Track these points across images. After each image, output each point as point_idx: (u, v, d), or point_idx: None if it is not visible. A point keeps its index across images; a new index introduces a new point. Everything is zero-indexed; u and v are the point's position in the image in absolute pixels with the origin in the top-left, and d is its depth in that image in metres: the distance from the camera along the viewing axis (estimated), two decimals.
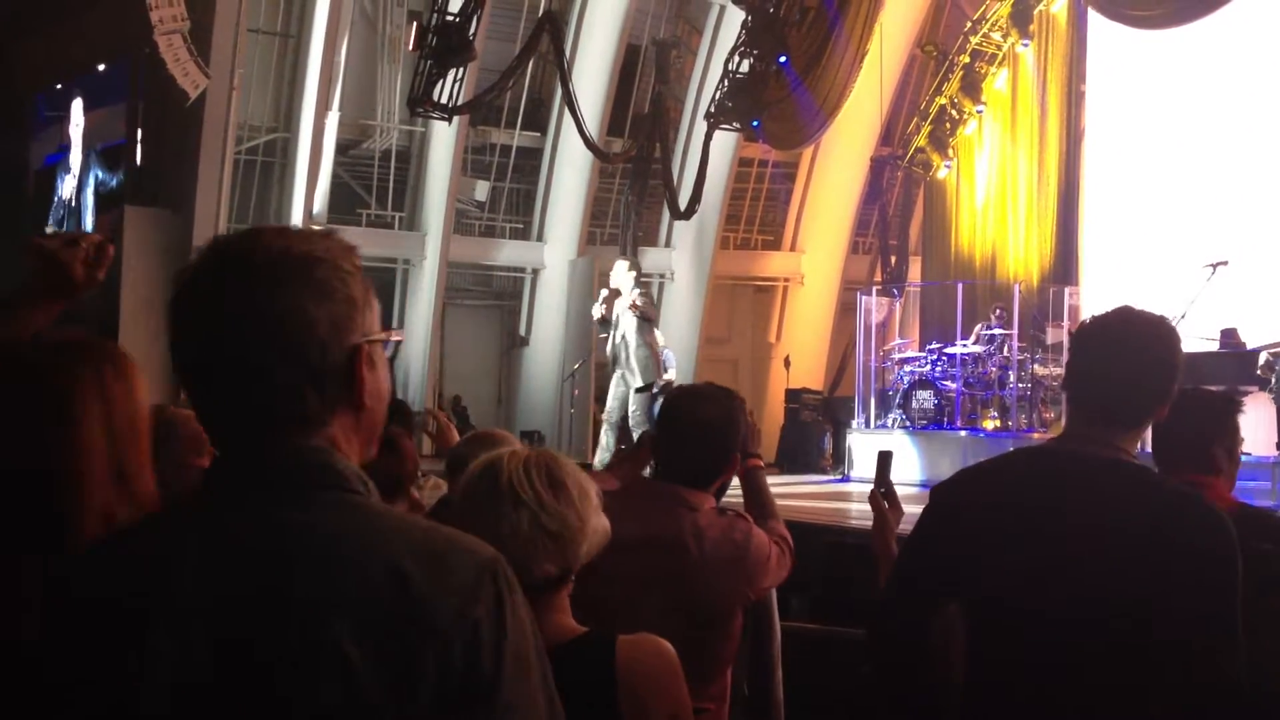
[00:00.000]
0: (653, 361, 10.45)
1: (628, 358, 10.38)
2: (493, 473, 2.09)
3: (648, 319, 10.43)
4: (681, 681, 2.16)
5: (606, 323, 10.60)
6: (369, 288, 1.38)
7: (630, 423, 10.42)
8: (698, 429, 2.87)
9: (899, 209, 18.17)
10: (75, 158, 15.79)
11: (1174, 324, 2.43)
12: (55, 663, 1.32)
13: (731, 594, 2.75)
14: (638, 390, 10.44)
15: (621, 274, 10.65)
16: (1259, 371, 9.86)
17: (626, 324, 10.45)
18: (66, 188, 15.99)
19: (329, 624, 1.24)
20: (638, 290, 10.46)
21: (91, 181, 15.33)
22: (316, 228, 1.48)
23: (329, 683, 1.23)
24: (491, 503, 2.05)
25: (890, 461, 2.98)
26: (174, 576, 1.28)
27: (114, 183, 14.53)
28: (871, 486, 2.86)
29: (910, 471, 12.36)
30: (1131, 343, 2.33)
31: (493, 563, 1.31)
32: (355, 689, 1.24)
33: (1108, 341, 2.36)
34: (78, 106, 15.68)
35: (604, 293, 10.73)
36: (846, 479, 13.28)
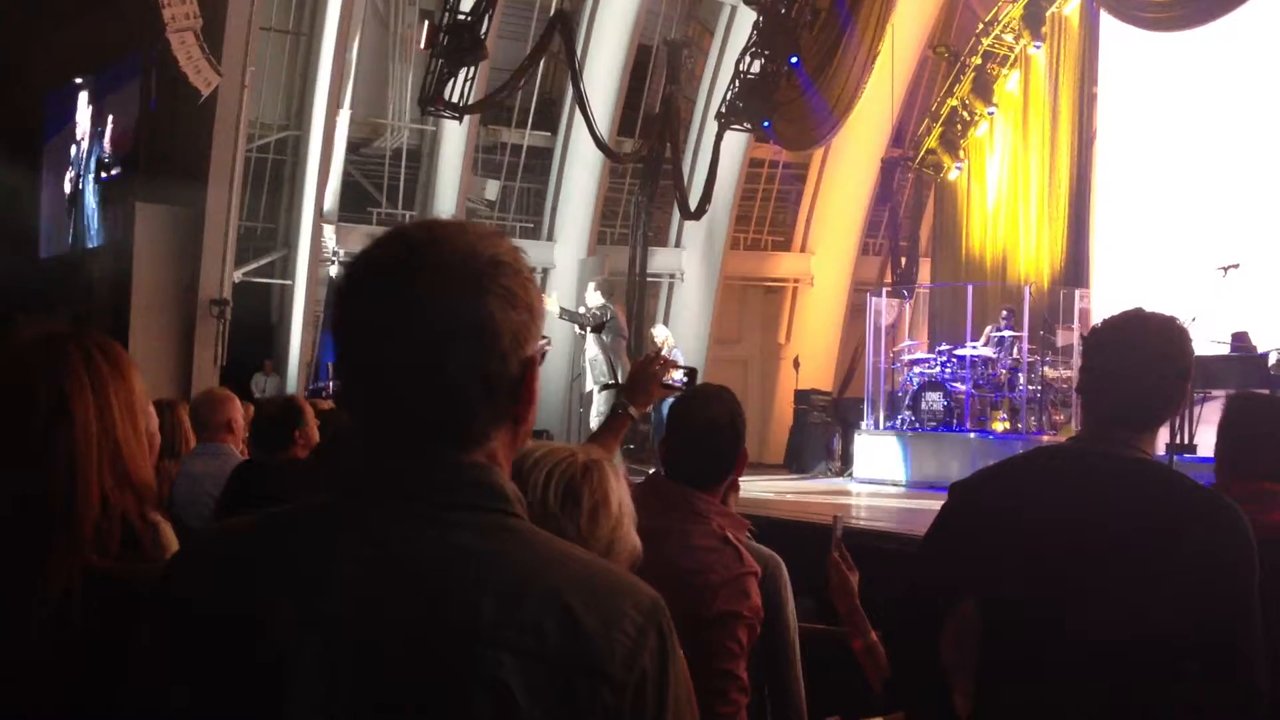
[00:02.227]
0: (605, 364, 11.52)
1: (588, 362, 11.66)
2: (519, 470, 2.10)
3: (584, 327, 11.57)
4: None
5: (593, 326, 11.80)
6: (540, 293, 1.31)
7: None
8: (704, 430, 2.93)
9: (909, 210, 18.15)
10: (80, 151, 15.86)
11: (1184, 325, 2.43)
12: (180, 678, 1.21)
13: (689, 605, 2.71)
14: (601, 389, 11.54)
15: (589, 295, 11.89)
16: (1270, 370, 9.82)
17: (589, 338, 11.69)
18: (74, 180, 16.07)
19: (493, 657, 1.16)
20: (598, 307, 11.65)
21: (92, 176, 15.40)
22: (488, 224, 1.38)
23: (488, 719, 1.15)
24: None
25: (840, 526, 3.09)
26: (329, 594, 1.19)
27: (119, 175, 14.58)
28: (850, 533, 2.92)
29: (918, 473, 12.35)
30: (1148, 345, 2.34)
31: (656, 606, 1.23)
32: None
33: (1124, 344, 2.37)
34: (83, 100, 15.76)
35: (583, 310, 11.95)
36: (841, 479, 13.27)
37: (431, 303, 1.22)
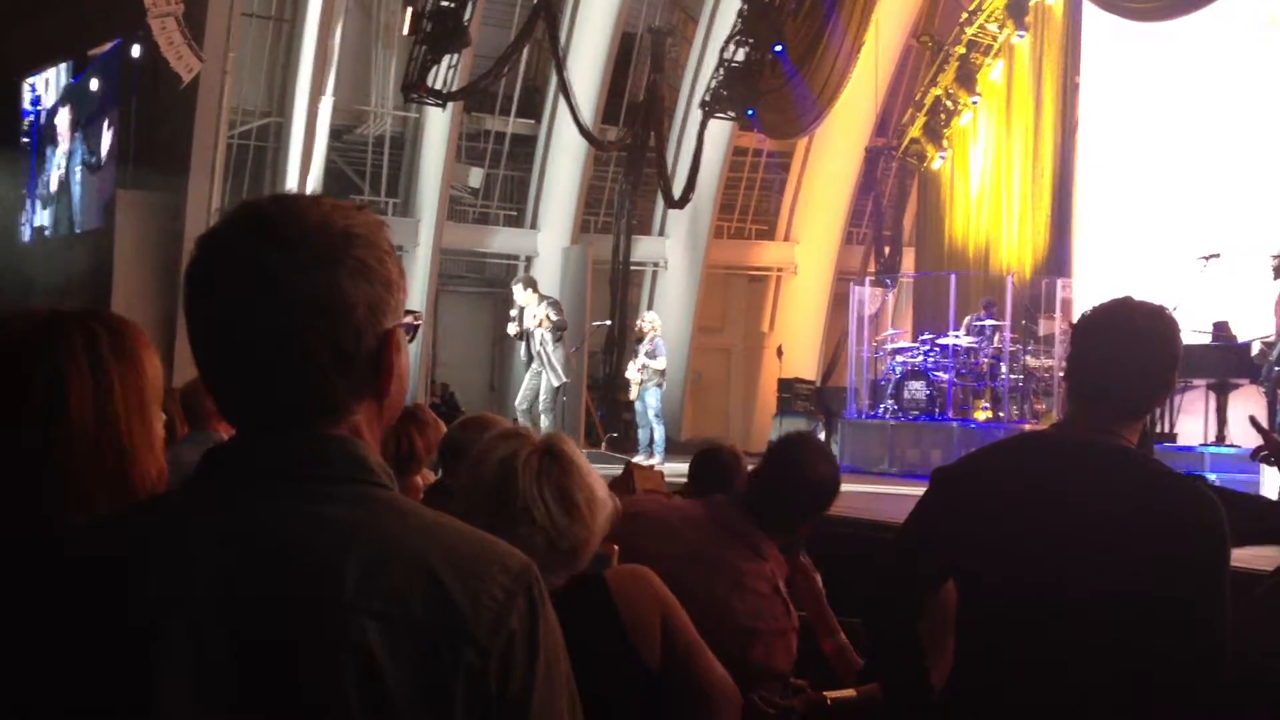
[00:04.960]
0: (565, 365, 12.45)
1: (547, 361, 12.18)
2: (507, 483, 2.15)
3: (560, 329, 12.30)
4: (659, 586, 2.31)
5: (520, 337, 12.48)
6: (401, 268, 1.33)
7: (540, 408, 12.21)
8: (810, 488, 3.01)
9: (893, 199, 18.18)
10: (63, 136, 15.76)
11: (1172, 314, 2.43)
12: (46, 662, 1.18)
13: (733, 644, 2.73)
14: (556, 388, 12.29)
15: (520, 294, 12.44)
16: (1253, 360, 9.87)
17: (543, 335, 12.19)
18: (55, 167, 15.98)
19: (358, 623, 1.17)
20: (547, 303, 12.28)
21: (79, 161, 15.31)
22: (348, 200, 1.38)
23: (354, 688, 1.16)
24: (506, 518, 2.11)
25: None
26: (192, 571, 1.18)
27: (99, 162, 14.50)
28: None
29: (901, 461, 12.40)
30: (1137, 334, 2.34)
31: (526, 572, 1.24)
32: (381, 697, 1.16)
33: (1111, 332, 2.37)
34: (64, 86, 15.66)
35: (514, 312, 12.59)
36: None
37: (282, 277, 1.22)
